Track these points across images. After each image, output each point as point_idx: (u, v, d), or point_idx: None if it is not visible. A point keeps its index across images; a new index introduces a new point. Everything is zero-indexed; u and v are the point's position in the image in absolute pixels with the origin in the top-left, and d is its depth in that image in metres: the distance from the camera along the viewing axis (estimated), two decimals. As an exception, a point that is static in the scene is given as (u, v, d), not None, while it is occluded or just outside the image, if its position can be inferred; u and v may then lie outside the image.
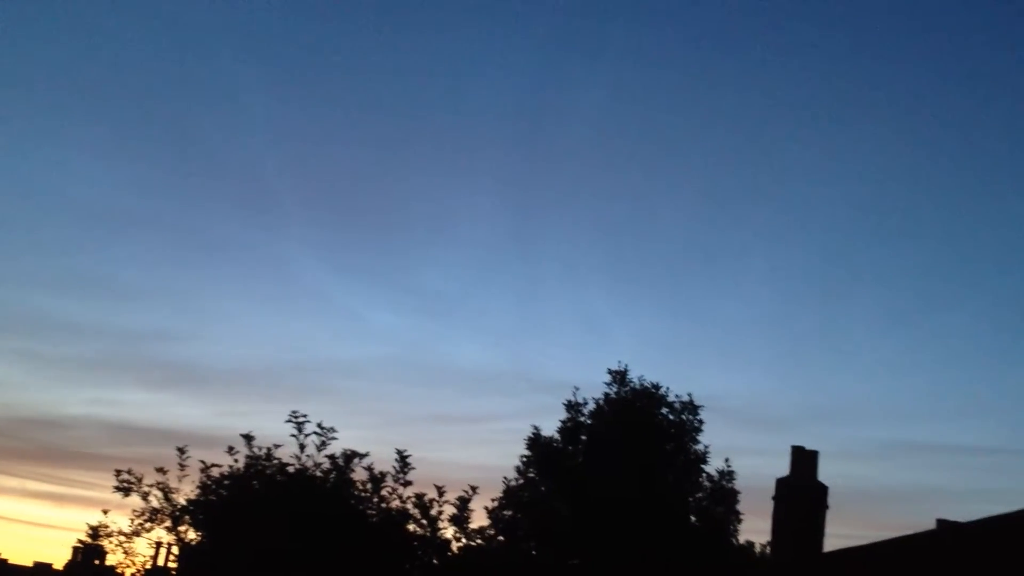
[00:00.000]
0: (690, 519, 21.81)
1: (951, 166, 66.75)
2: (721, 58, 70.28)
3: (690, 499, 21.94)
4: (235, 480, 19.02)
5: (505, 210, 71.40)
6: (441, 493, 19.53)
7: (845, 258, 69.73)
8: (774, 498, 18.64)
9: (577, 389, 23.01)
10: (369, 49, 67.59)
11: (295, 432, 19.13)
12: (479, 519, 20.77)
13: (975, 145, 66.34)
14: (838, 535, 20.69)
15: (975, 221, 66.68)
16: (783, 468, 18.55)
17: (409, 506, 19.32)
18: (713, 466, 22.32)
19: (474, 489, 19.99)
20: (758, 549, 23.94)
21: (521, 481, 22.46)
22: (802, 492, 18.33)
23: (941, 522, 18.39)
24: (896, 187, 68.22)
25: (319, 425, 19.31)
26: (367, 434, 54.41)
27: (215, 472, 19.19)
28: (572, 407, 22.90)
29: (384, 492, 19.23)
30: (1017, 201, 64.99)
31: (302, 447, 19.15)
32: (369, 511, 19.01)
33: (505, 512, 22.03)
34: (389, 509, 19.17)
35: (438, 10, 68.60)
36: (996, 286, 66.33)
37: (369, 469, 19.26)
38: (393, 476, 19.31)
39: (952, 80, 66.80)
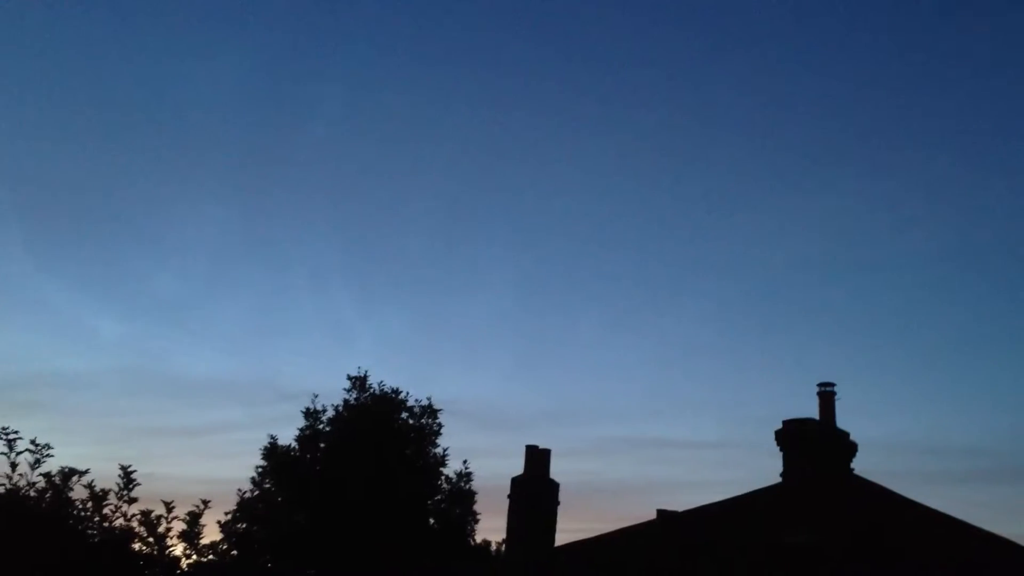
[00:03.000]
0: (429, 521, 22.04)
1: (673, 178, 71.48)
2: (460, 61, 71.54)
3: (429, 502, 22.18)
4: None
5: (241, 213, 68.66)
6: (170, 509, 18.50)
7: (575, 266, 73.00)
8: (509, 496, 19.21)
9: (316, 396, 22.72)
10: (93, 43, 63.15)
11: (5, 450, 17.53)
12: (212, 534, 19.95)
13: (700, 159, 71.47)
14: (570, 529, 21.68)
15: (692, 230, 71.77)
16: (519, 467, 19.17)
17: (134, 524, 18.21)
18: (451, 468, 22.70)
19: (206, 503, 19.08)
20: (494, 547, 24.59)
21: (256, 492, 21.87)
22: (535, 489, 19.00)
23: (661, 512, 19.69)
24: (621, 198, 72.09)
25: (32, 442, 17.83)
26: (92, 450, 50.59)
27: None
28: (311, 415, 22.57)
29: (106, 511, 18.02)
30: (731, 211, 70.61)
31: (13, 466, 17.58)
32: (90, 531, 17.76)
33: (239, 525, 21.37)
34: (112, 528, 17.99)
35: (166, 4, 65.20)
36: (711, 291, 71.66)
37: (90, 487, 17.98)
38: (116, 493, 18.13)
39: (680, 87, 71.61)
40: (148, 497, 18.43)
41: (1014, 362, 62.77)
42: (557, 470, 19.40)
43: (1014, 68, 64.44)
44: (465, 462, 22.86)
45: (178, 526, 18.63)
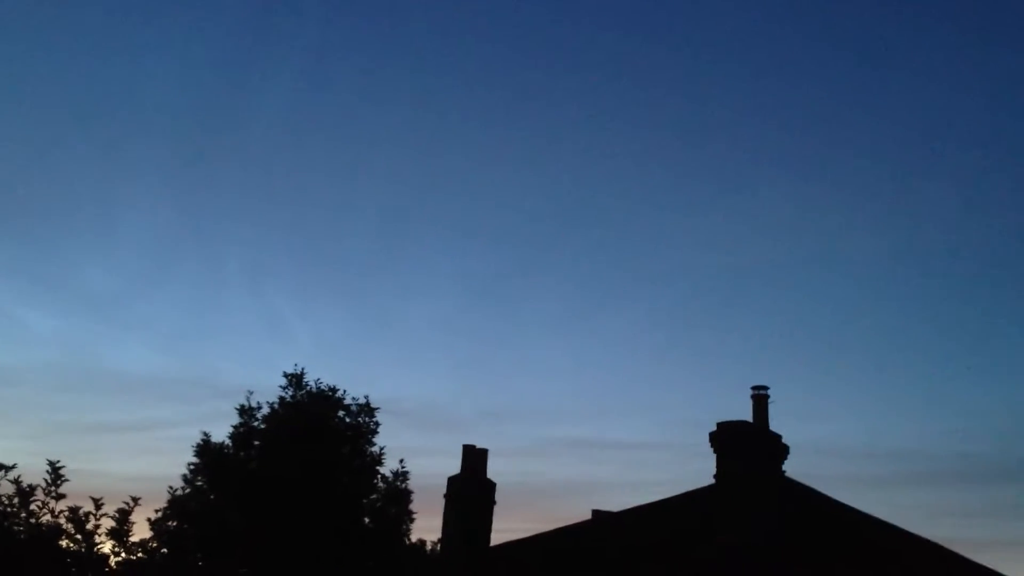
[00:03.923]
0: (364, 521, 21.95)
1: (612, 180, 72.08)
2: (406, 64, 71.32)
3: (364, 501, 22.09)
4: None
5: (178, 207, 67.39)
6: (99, 506, 18.15)
7: (516, 267, 73.35)
8: (445, 496, 19.23)
9: (251, 393, 22.48)
10: (25, 34, 61.52)
11: (-74, 444, 17.08)
12: (142, 531, 19.63)
13: (637, 161, 72.19)
14: (506, 528, 21.71)
15: (631, 231, 72.48)
16: (456, 467, 19.20)
17: (62, 520, 17.83)
18: (388, 467, 22.66)
19: (136, 500, 18.78)
20: (430, 547, 24.57)
21: (188, 490, 21.58)
22: (471, 489, 19.05)
23: (596, 512, 19.88)
24: (562, 200, 72.47)
25: (-44, 436, 17.39)
26: (20, 445, 49.41)
27: None
28: (245, 412, 22.32)
29: (33, 507, 17.62)
30: (667, 212, 71.47)
31: (-64, 460, 17.13)
32: (16, 527, 17.36)
33: (170, 523, 21.05)
34: (39, 524, 17.60)
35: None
36: (649, 293, 72.43)
37: (16, 482, 17.57)
38: (44, 489, 17.74)
39: (616, 89, 72.25)
40: (77, 494, 18.08)
41: (945, 366, 64.59)
42: (494, 470, 19.48)
43: (953, 73, 66.28)
44: (402, 461, 22.86)
45: (107, 523, 18.32)
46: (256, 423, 22.28)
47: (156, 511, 21.00)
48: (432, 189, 71.49)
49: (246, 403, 22.37)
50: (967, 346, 64.39)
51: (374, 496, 22.30)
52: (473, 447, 19.31)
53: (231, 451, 21.96)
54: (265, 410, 22.33)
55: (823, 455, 50.81)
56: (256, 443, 22.04)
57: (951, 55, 66.51)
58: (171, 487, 21.50)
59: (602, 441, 60.78)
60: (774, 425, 17.54)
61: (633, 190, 71.69)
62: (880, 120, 69.16)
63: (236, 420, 22.27)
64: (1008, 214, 66.01)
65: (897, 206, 68.33)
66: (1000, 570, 15.68)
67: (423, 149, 71.12)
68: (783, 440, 16.36)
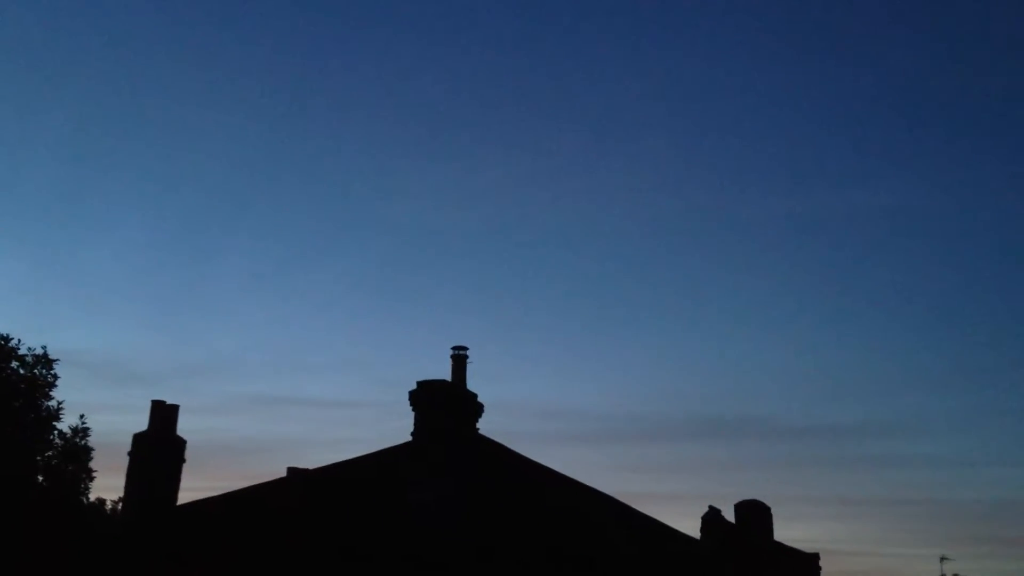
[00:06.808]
0: (38, 479, 20.42)
1: (315, 130, 70.72)
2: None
3: (39, 458, 20.54)
4: None
5: None
6: None
7: (216, 214, 70.50)
8: (129, 453, 18.22)
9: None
10: None
11: None
12: None
13: (346, 115, 71.24)
14: (198, 487, 20.92)
15: (331, 190, 71.72)
16: (146, 424, 18.22)
17: None
18: (67, 423, 21.20)
19: None
20: (110, 506, 23.28)
21: None
22: (159, 446, 18.17)
23: (291, 469, 19.61)
24: (264, 146, 70.14)
25: None
26: None
27: None
28: (-102, 360, 20.04)
29: None
30: (375, 174, 71.33)
31: None
32: None
33: None
34: None
35: None
36: (347, 253, 72.06)
37: None
38: None
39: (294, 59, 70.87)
40: None
41: (624, 333, 69.45)
42: (185, 427, 18.68)
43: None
44: (82, 417, 21.44)
45: None
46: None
47: None
48: (123, 124, 66.86)
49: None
50: (643, 316, 69.74)
51: (49, 453, 20.77)
52: (163, 403, 18.41)
53: None
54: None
55: (516, 414, 53.30)
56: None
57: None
58: None
59: (299, 399, 60.15)
60: (471, 384, 18.10)
61: (317, 145, 70.78)
62: (580, 94, 72.84)
63: None
64: (699, 188, 71.94)
65: (597, 176, 72.43)
66: (664, 520, 17.23)
67: (116, 81, 66.36)
68: (479, 399, 16.90)
